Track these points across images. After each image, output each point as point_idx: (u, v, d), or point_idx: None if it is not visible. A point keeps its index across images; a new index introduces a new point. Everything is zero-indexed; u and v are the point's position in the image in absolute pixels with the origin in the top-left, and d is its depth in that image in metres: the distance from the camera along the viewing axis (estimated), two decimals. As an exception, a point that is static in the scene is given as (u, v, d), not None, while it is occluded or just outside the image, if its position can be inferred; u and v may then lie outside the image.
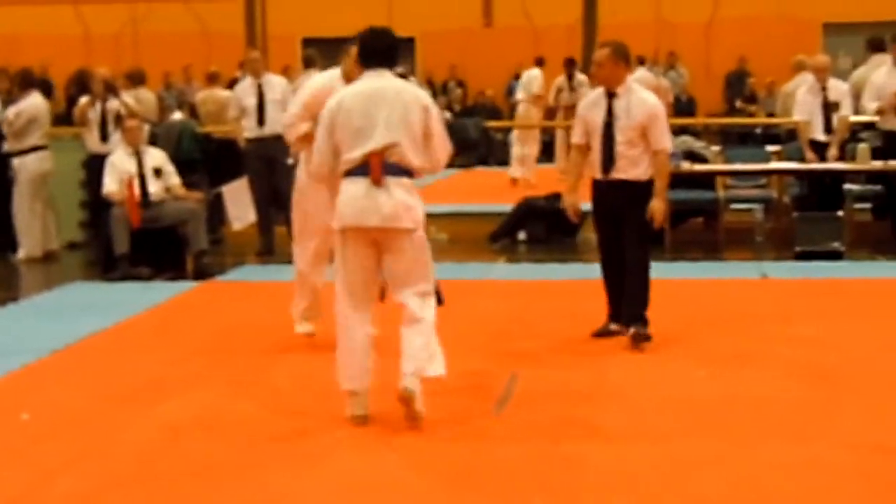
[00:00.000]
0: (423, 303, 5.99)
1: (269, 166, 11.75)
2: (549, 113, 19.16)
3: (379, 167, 5.88)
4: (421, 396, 5.86)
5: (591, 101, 7.77)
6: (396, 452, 5.52)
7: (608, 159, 7.53)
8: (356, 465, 5.37)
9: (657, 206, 7.46)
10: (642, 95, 7.60)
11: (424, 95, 6.14)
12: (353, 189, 5.93)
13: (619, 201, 7.55)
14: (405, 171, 5.96)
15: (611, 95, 7.55)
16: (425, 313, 5.98)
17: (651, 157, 7.52)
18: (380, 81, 6.00)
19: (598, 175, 7.64)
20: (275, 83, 11.91)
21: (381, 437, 5.76)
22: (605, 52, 7.58)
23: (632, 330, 7.43)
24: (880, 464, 5.20)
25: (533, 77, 18.34)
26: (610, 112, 7.54)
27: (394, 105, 5.91)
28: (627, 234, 7.55)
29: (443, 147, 6.11)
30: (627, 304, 7.55)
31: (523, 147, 17.73)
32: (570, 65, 18.59)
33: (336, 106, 6.01)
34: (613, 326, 7.65)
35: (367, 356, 6.05)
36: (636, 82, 7.92)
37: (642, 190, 7.50)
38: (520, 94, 18.57)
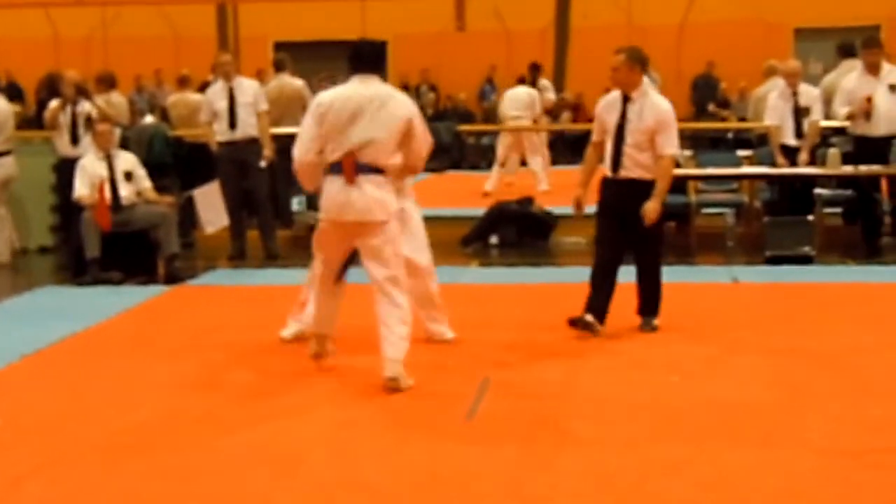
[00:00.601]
0: (398, 289, 6.69)
1: (241, 170, 11.73)
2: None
3: (351, 168, 6.57)
4: (404, 373, 6.57)
5: (609, 102, 8.07)
6: (368, 456, 5.51)
7: (617, 159, 7.88)
8: (329, 468, 5.36)
9: (652, 207, 7.77)
10: (655, 100, 7.92)
11: (410, 105, 6.74)
12: (332, 187, 6.67)
13: (624, 200, 7.86)
14: (377, 170, 6.61)
15: (626, 99, 7.88)
16: (402, 300, 6.69)
17: (655, 161, 7.83)
18: (368, 88, 6.63)
19: (609, 173, 7.99)
20: (246, 86, 11.87)
21: (354, 441, 5.76)
22: (621, 57, 7.88)
23: (647, 321, 8.04)
24: (847, 468, 5.23)
25: (534, 96, 17.87)
26: (623, 115, 7.88)
27: (375, 109, 6.55)
28: (638, 235, 7.90)
29: (422, 146, 6.77)
30: (643, 299, 8.06)
31: (534, 158, 17.58)
32: (533, 70, 18.53)
33: (329, 102, 6.64)
34: (588, 317, 7.83)
35: (335, 310, 7.07)
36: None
37: (647, 190, 7.81)
38: (515, 111, 17.88)
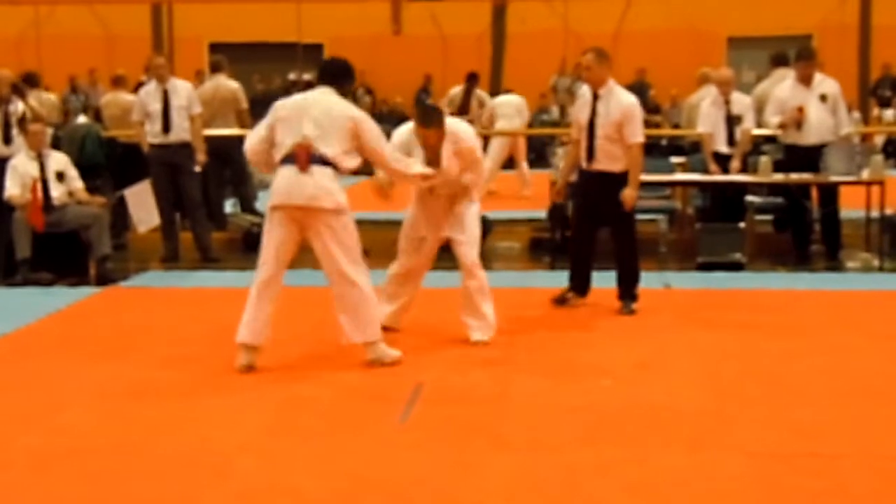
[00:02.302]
0: (358, 270, 7.23)
1: (175, 172, 11.66)
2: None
3: (304, 156, 7.02)
4: (382, 345, 7.24)
5: (582, 101, 8.94)
6: (299, 460, 5.50)
7: (591, 152, 8.77)
8: (258, 472, 5.33)
9: (628, 193, 8.68)
10: (621, 95, 8.74)
11: (354, 109, 7.25)
12: (283, 174, 7.11)
13: (596, 189, 8.79)
14: (328, 163, 7.04)
15: (595, 96, 8.71)
16: (361, 279, 7.22)
17: (625, 151, 8.66)
18: (320, 95, 7.22)
19: (584, 165, 8.89)
20: (180, 89, 11.80)
21: (284, 446, 5.74)
22: (591, 56, 8.71)
23: (626, 304, 8.85)
24: (775, 472, 5.29)
25: (523, 103, 17.82)
26: (593, 111, 8.72)
27: (322, 111, 7.09)
28: (614, 225, 8.92)
29: (379, 148, 7.33)
30: (623, 282, 8.92)
31: (523, 164, 17.69)
32: (471, 79, 18.52)
33: (283, 103, 7.29)
34: (570, 295, 9.09)
35: (263, 318, 7.25)
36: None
37: (618, 181, 8.68)
38: (506, 117, 17.30)
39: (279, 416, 6.25)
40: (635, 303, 8.88)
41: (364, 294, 7.22)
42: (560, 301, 9.09)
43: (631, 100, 8.76)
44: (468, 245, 7.88)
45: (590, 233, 9.07)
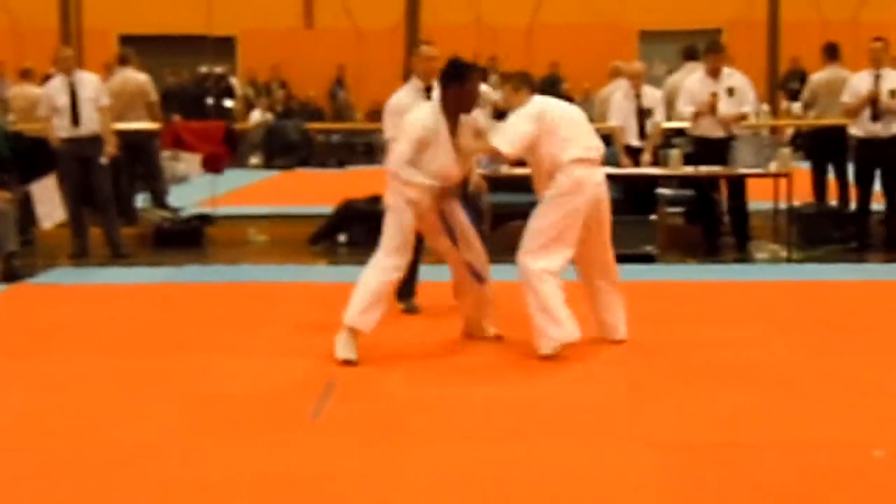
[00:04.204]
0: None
1: (84, 167, 11.48)
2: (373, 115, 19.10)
3: None
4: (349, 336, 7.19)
5: None
6: (211, 457, 5.44)
7: None
8: (170, 469, 5.27)
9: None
10: None
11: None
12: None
13: None
14: None
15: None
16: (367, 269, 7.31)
17: None
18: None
19: None
20: (87, 81, 11.62)
21: (196, 442, 5.67)
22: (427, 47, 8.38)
23: None
24: (686, 462, 5.33)
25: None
26: None
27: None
28: None
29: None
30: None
31: None
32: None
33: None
34: None
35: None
36: None
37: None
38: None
39: (191, 412, 6.18)
40: None
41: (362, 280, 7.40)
42: None
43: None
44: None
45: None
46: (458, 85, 7.32)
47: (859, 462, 5.30)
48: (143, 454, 5.49)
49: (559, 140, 7.29)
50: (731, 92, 11.58)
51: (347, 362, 7.12)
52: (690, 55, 13.31)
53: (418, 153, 7.25)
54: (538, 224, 7.34)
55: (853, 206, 12.13)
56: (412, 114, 7.46)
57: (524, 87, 7.46)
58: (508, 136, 7.31)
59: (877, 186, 11.60)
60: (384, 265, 7.30)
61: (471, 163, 7.75)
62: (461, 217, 7.60)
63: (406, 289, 8.44)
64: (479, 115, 7.65)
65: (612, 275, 7.69)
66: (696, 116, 11.65)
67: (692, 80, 11.84)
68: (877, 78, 11.38)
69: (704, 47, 12.08)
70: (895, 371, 6.90)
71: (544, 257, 7.27)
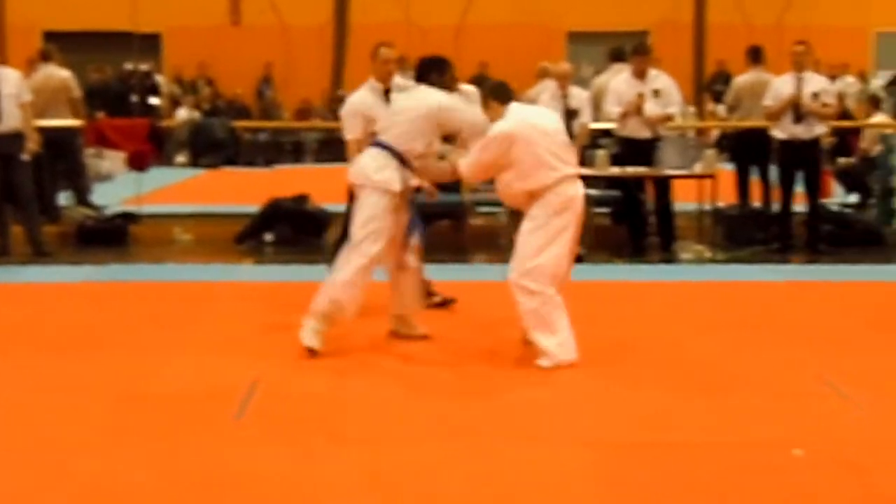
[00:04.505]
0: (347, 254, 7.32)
1: (5, 164, 11.27)
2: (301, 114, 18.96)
3: None
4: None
5: None
6: (136, 459, 5.37)
7: None
8: (95, 472, 5.20)
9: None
10: None
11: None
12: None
13: None
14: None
15: None
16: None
17: None
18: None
19: None
20: (8, 76, 11.42)
21: (120, 444, 5.60)
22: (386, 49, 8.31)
23: None
24: (614, 461, 5.36)
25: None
26: None
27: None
28: None
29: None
30: None
31: None
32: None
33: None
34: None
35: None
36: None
37: None
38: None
39: (115, 414, 6.10)
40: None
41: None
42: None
43: None
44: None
45: None
46: (435, 78, 7.48)
47: (780, 461, 5.36)
48: (65, 454, 5.42)
49: (536, 160, 7.18)
50: (657, 93, 11.65)
51: (311, 351, 7.22)
52: (617, 56, 13.39)
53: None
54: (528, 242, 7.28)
55: (776, 207, 12.25)
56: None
57: (493, 100, 7.36)
58: (472, 163, 7.34)
59: (799, 188, 11.73)
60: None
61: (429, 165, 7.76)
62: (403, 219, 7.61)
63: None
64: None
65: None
66: (623, 117, 11.71)
67: (618, 80, 11.90)
68: (799, 81, 11.51)
69: (631, 49, 12.15)
70: (816, 371, 6.98)
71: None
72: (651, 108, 11.60)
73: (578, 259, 10.87)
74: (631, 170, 11.52)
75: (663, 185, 11.70)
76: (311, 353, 7.20)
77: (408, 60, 23.50)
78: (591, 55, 23.45)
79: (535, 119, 7.32)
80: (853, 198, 14.91)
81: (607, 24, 24.51)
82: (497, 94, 7.37)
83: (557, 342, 7.10)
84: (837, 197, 14.94)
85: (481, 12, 25.27)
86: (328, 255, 11.58)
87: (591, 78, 16.34)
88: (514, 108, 7.30)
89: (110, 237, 12.21)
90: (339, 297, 7.26)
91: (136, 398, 6.37)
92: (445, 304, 8.77)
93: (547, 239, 7.21)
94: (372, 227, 7.29)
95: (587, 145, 11.97)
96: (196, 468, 5.25)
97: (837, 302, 9.29)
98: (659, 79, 11.79)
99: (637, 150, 11.61)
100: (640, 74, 11.68)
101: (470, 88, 8.53)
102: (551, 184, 7.21)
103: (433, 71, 7.58)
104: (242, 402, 6.26)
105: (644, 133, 11.65)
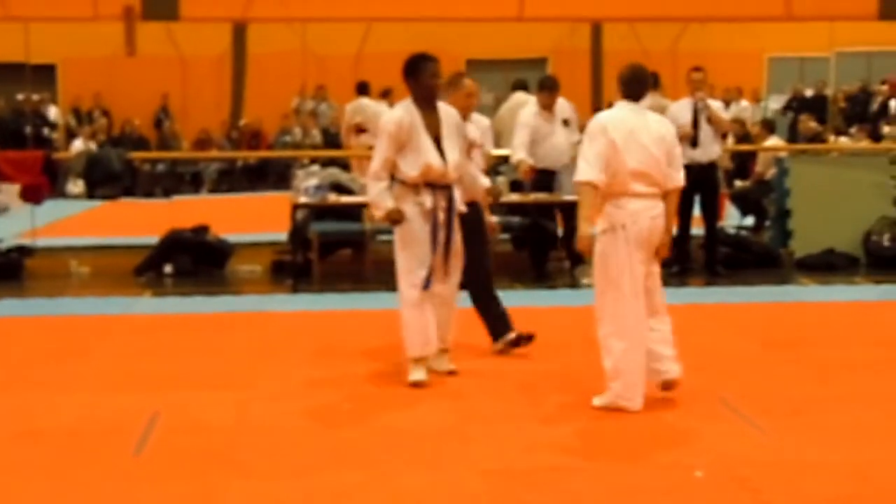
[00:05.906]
0: None
1: None
2: (200, 144, 18.71)
3: None
4: None
5: None
6: (35, 497, 5.28)
7: None
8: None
9: None
10: None
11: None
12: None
13: None
14: None
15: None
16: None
17: None
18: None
19: None
20: None
21: (13, 483, 5.48)
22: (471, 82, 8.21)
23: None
24: (511, 487, 5.36)
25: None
26: None
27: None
28: None
29: None
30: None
31: None
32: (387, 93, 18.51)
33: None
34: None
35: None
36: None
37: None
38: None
39: (9, 452, 5.97)
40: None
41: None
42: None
43: None
44: None
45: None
46: (412, 78, 7.54)
47: (680, 481, 5.40)
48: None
49: None
50: (565, 123, 11.94)
51: (418, 384, 7.23)
52: (519, 86, 13.56)
53: (399, 152, 7.28)
54: None
55: (674, 230, 12.39)
56: (385, 114, 7.57)
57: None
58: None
59: (696, 211, 11.89)
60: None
61: (468, 171, 7.81)
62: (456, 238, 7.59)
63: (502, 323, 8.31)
64: (471, 129, 7.87)
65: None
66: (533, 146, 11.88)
67: (526, 114, 12.04)
68: (695, 106, 11.69)
69: (538, 83, 12.33)
70: (715, 393, 7.06)
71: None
72: (559, 137, 11.85)
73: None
74: (533, 197, 11.62)
75: (569, 210, 11.80)
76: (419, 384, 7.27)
77: (306, 89, 23.52)
78: (491, 82, 23.60)
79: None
80: (749, 220, 15.15)
81: (506, 52, 24.67)
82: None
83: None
84: (734, 220, 15.17)
85: (380, 41, 25.25)
86: (228, 286, 11.54)
87: (491, 105, 16.48)
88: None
89: (5, 271, 11.97)
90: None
91: (31, 434, 6.25)
92: None
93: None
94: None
95: (488, 172, 12.01)
96: (93, 505, 5.16)
97: (735, 323, 9.42)
98: (564, 108, 12.07)
99: (542, 179, 11.80)
100: (548, 108, 11.91)
101: (483, 119, 8.60)
102: None
103: (409, 76, 7.56)
104: (141, 437, 6.16)
105: (551, 163, 11.86)
